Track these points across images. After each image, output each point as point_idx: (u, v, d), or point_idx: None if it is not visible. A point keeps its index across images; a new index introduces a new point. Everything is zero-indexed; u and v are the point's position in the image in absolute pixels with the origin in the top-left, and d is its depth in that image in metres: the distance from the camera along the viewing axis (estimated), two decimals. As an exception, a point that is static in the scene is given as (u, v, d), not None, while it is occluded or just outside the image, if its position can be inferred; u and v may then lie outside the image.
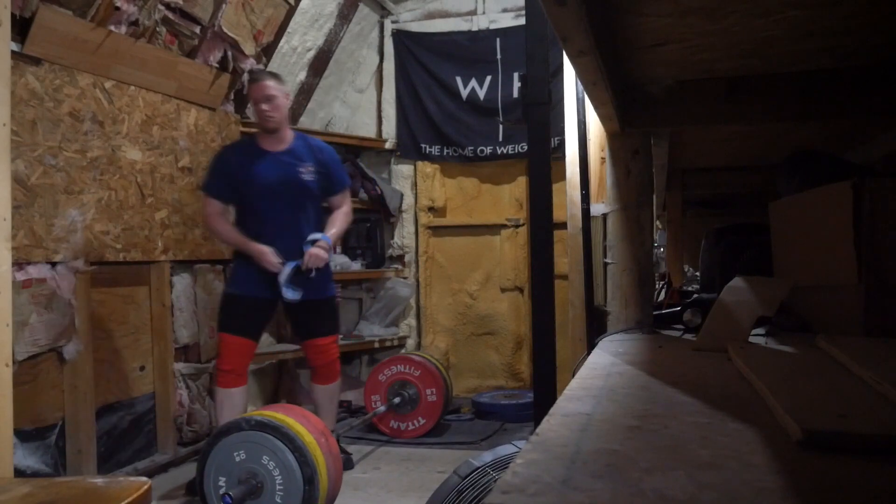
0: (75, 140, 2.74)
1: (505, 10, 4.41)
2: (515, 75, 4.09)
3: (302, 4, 3.72)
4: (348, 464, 3.10)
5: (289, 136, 2.95)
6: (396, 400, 3.61)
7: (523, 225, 4.40)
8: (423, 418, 3.61)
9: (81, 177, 2.76)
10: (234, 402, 2.84)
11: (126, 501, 1.38)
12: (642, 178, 1.79)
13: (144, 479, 1.51)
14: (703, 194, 4.33)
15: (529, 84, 2.51)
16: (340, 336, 3.52)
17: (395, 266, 4.63)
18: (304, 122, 4.32)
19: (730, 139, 2.56)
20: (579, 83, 2.22)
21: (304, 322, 3.03)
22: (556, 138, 3.60)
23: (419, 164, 4.59)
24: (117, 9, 2.75)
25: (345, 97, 4.64)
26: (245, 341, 2.88)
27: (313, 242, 2.87)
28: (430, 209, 4.61)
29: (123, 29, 2.84)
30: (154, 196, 3.13)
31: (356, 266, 4.44)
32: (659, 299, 2.75)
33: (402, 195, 4.63)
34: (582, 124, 2.33)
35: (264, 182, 2.85)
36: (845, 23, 1.31)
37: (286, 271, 2.79)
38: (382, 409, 3.60)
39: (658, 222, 4.25)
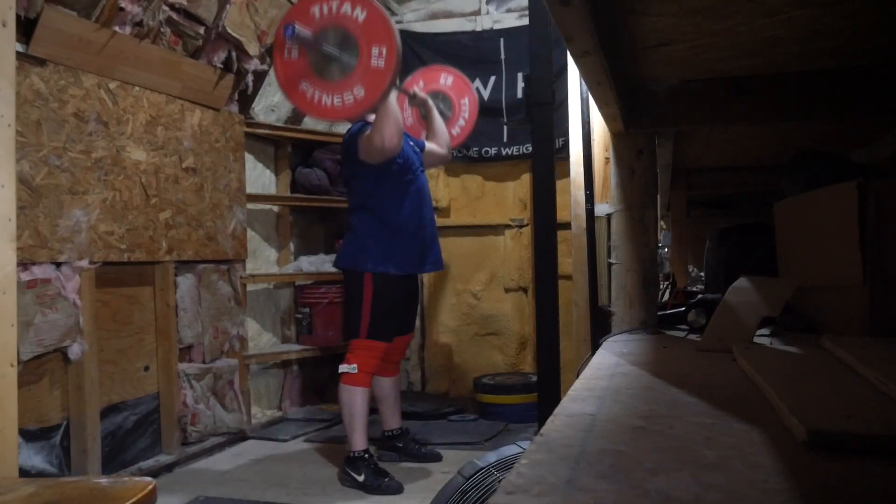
0: (80, 140, 2.74)
1: (509, 11, 4.41)
2: (519, 76, 4.08)
3: (306, 5, 3.71)
4: (437, 457, 3.23)
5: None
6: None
7: (527, 225, 4.39)
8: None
9: (86, 177, 2.77)
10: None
11: (131, 501, 1.38)
12: (646, 179, 1.79)
13: (149, 479, 1.51)
14: (707, 194, 4.33)
15: (533, 84, 2.51)
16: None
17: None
18: (308, 122, 4.32)
19: (734, 139, 2.56)
20: (583, 83, 2.22)
21: (413, 310, 3.28)
22: (560, 138, 3.60)
23: (423, 164, 4.57)
24: (121, 9, 2.76)
25: (349, 97, 4.64)
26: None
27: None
28: (434, 209, 4.60)
29: (128, 30, 2.85)
30: (158, 196, 3.14)
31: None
32: (663, 300, 2.74)
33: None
34: (586, 124, 2.32)
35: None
36: (850, 22, 1.30)
37: None
38: None
39: (662, 222, 4.25)
